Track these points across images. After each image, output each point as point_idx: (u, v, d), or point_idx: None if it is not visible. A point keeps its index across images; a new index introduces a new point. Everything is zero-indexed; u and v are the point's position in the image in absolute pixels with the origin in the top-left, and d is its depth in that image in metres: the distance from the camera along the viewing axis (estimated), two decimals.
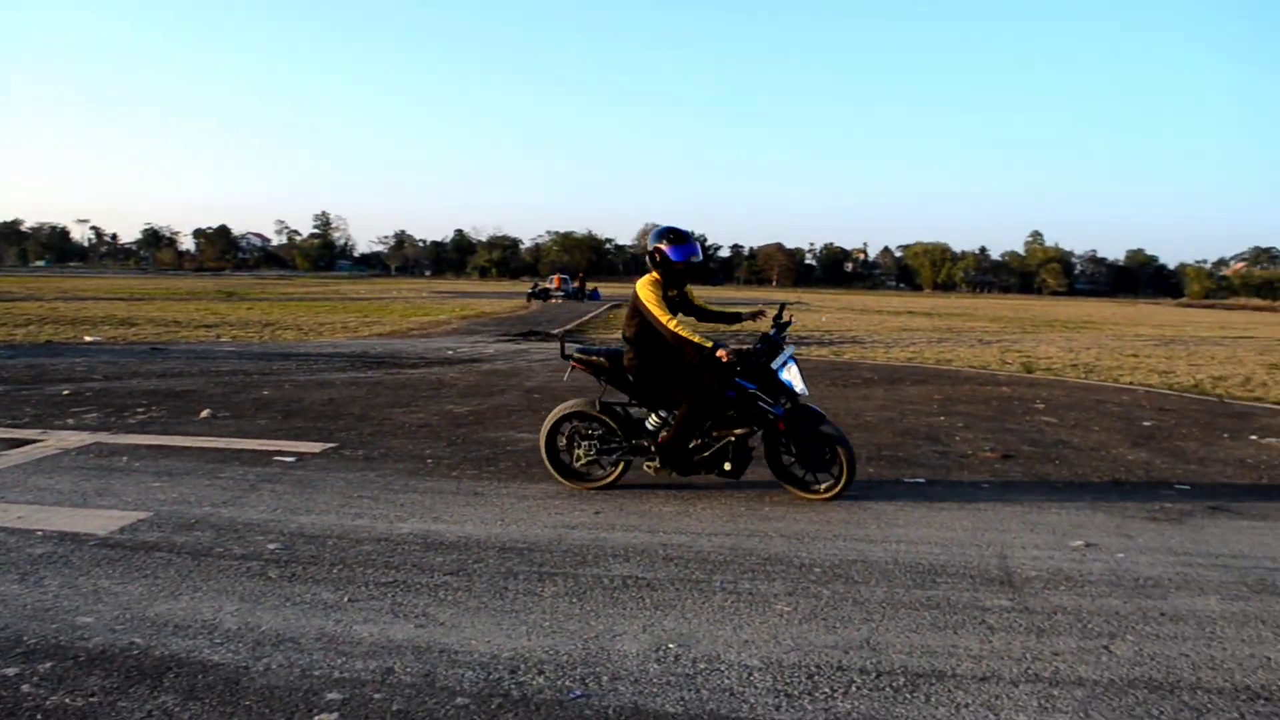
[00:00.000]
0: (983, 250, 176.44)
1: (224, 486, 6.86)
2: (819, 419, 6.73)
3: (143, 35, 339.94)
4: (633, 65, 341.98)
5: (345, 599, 4.67)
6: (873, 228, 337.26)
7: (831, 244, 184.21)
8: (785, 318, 7.18)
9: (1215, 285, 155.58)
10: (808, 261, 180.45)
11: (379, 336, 23.32)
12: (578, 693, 3.73)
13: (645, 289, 6.67)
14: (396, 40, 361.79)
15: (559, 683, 3.81)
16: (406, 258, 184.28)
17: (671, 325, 6.54)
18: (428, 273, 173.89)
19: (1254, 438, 10.20)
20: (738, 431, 6.76)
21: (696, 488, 7.12)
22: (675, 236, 6.78)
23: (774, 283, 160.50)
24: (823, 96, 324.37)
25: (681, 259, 6.75)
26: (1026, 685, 3.93)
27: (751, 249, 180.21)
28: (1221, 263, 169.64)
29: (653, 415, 6.95)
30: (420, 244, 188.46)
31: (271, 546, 5.48)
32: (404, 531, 5.81)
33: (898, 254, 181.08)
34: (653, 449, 6.86)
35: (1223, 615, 4.79)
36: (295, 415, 10.12)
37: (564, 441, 7.09)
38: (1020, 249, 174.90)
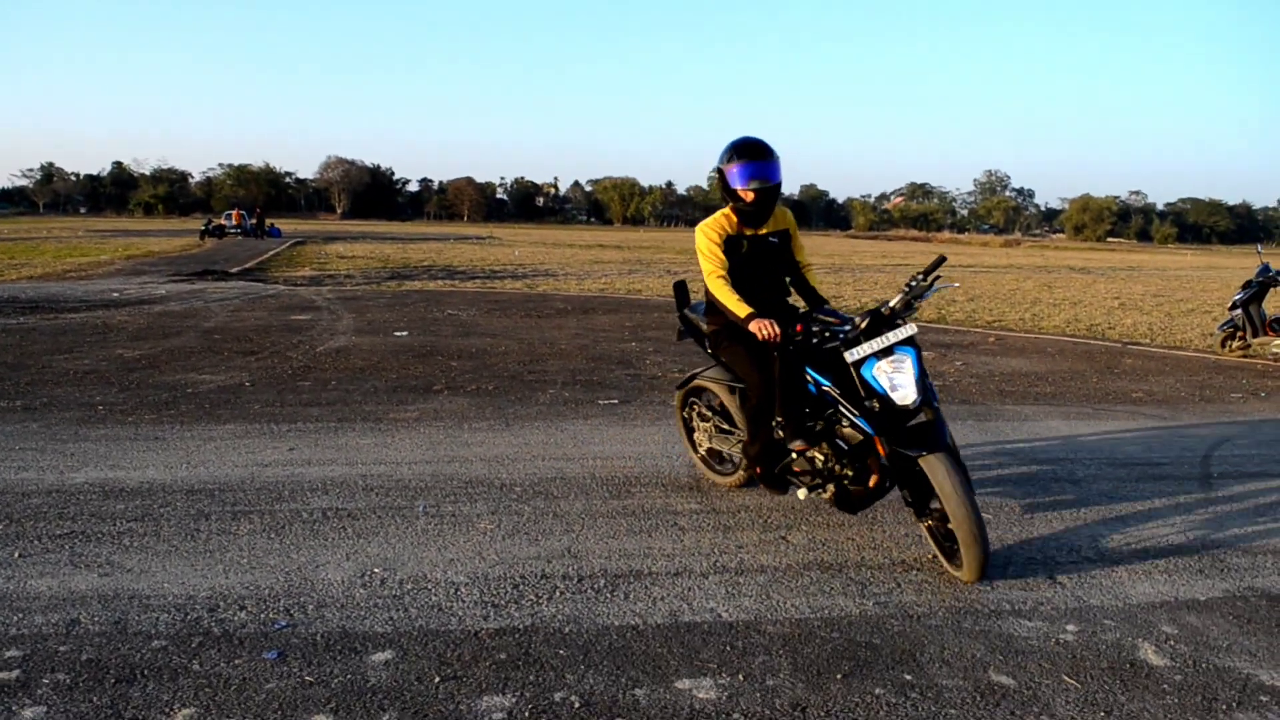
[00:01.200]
0: (669, 185, 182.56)
1: None
2: (930, 446, 4.23)
3: None
4: None
5: (16, 555, 4.31)
6: (563, 163, 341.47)
7: (522, 178, 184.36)
8: (929, 280, 4.45)
9: (878, 218, 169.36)
10: (499, 196, 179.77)
11: (29, 280, 21.16)
12: (282, 623, 3.67)
13: (703, 229, 4.91)
14: None
15: (262, 615, 3.73)
16: (57, 193, 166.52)
17: (712, 279, 4.81)
18: (83, 210, 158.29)
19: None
20: (810, 452, 4.70)
21: (393, 421, 7.07)
22: (745, 151, 4.73)
23: (465, 217, 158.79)
24: (512, 27, 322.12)
25: (737, 183, 4.74)
26: (715, 576, 4.26)
27: (441, 183, 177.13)
28: (883, 197, 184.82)
29: None
30: (73, 178, 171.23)
31: None
32: (78, 481, 5.41)
33: (588, 188, 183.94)
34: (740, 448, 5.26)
35: (883, 503, 5.34)
36: None
37: (688, 415, 5.82)
38: (704, 184, 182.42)
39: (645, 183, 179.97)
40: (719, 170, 4.84)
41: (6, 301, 15.29)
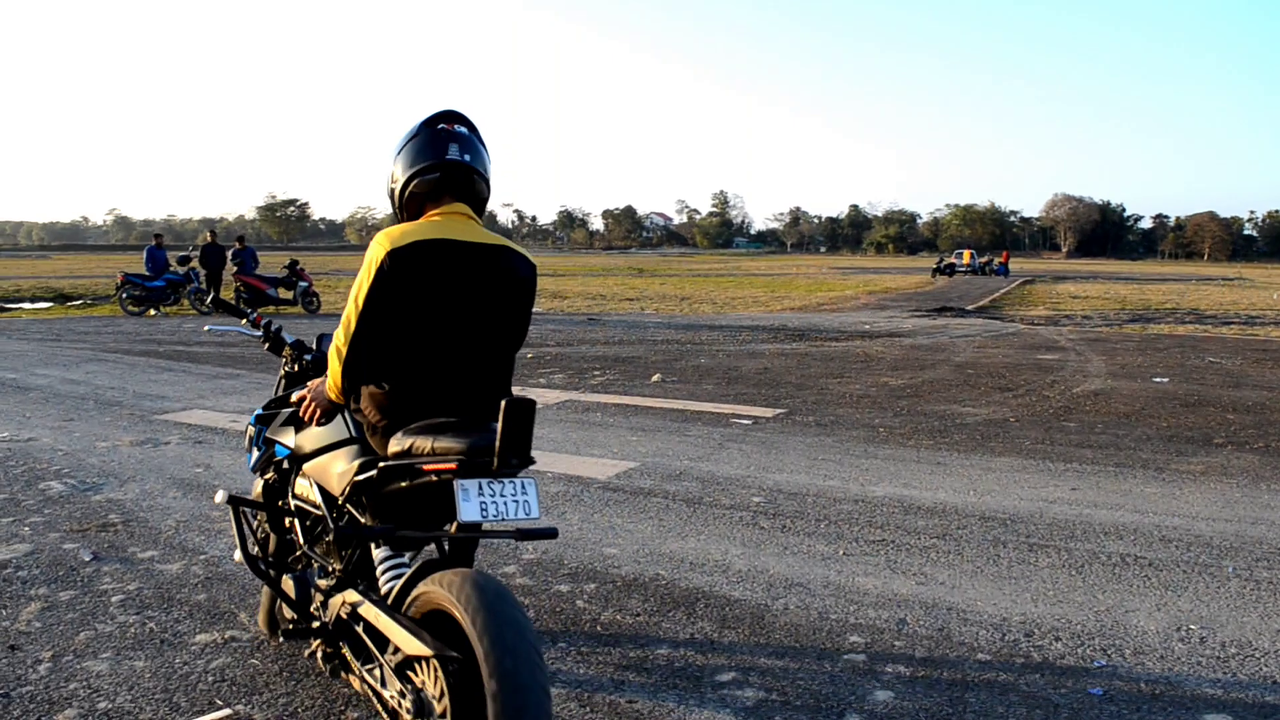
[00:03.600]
0: None
1: (694, 443, 7.35)
2: None
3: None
4: (1048, 31, 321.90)
5: (840, 552, 4.86)
6: None
7: (1276, 211, 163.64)
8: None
9: None
10: (1247, 232, 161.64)
11: (791, 310, 23.79)
12: (1101, 662, 3.65)
13: None
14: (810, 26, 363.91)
15: (1079, 650, 3.75)
16: (801, 234, 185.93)
17: None
18: (823, 249, 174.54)
19: None
20: None
21: (1176, 471, 6.69)
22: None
23: (1205, 256, 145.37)
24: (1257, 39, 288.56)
25: None
26: None
27: (1178, 219, 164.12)
28: None
29: None
30: (815, 220, 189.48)
31: (755, 499, 5.81)
32: (879, 494, 5.94)
33: None
34: None
35: None
36: (736, 382, 10.60)
37: None
38: None
39: None
40: None
41: (779, 329, 17.34)
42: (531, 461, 2.61)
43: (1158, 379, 11.41)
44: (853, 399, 9.51)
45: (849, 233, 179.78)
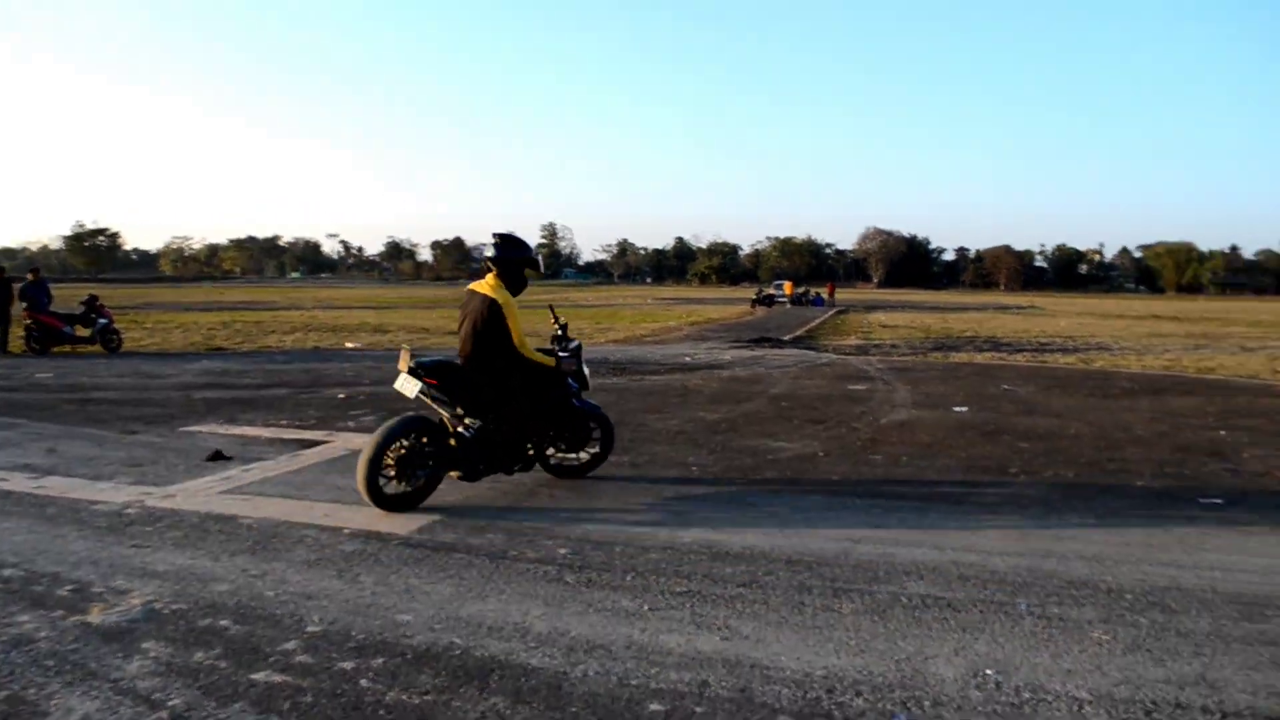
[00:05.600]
0: (1233, 249, 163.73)
1: (505, 490, 7.11)
2: (596, 406, 7.54)
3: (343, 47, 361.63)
4: (848, 72, 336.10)
5: (645, 607, 4.72)
6: (1107, 228, 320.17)
7: (1063, 245, 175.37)
8: (561, 320, 7.68)
9: None
10: (1038, 264, 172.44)
11: (615, 343, 23.80)
12: (901, 717, 3.62)
13: (510, 302, 6.79)
14: (616, 48, 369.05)
15: (879, 705, 3.70)
16: (628, 265, 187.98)
17: (527, 349, 6.82)
18: (649, 279, 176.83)
19: None
20: (557, 430, 7.24)
21: (974, 504, 6.87)
22: (528, 246, 7.16)
23: (1002, 286, 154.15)
24: (1051, 95, 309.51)
25: (540, 270, 7.26)
26: None
27: (977, 251, 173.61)
28: None
29: (465, 422, 6.74)
30: (641, 251, 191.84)
31: (562, 551, 5.62)
32: (687, 541, 5.84)
33: (1137, 254, 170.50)
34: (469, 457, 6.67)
35: None
36: None
37: (389, 469, 6.40)
38: (1278, 246, 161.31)
39: (1204, 247, 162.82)
40: (519, 258, 7.01)
41: (602, 361, 17.24)
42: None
43: (958, 408, 11.83)
44: (669, 435, 9.46)
45: (674, 263, 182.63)
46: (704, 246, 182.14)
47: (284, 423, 10.11)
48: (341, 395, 12.37)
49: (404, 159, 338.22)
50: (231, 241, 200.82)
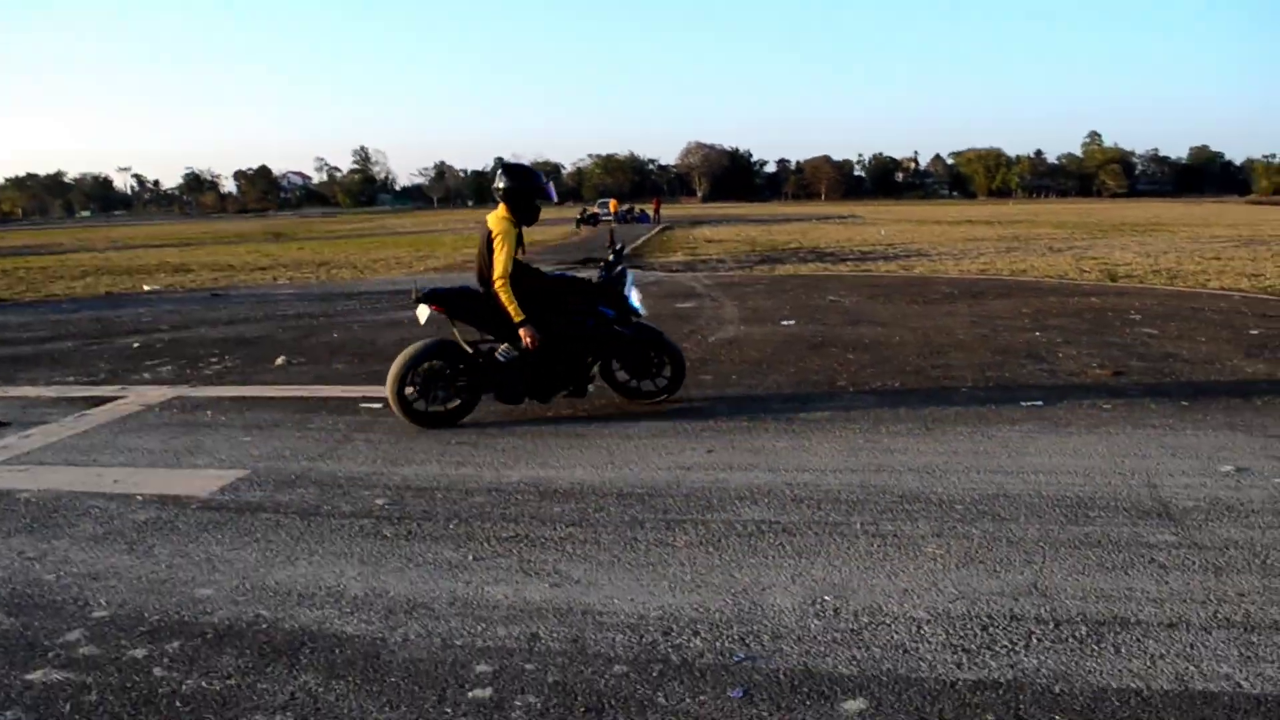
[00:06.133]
0: (1038, 153, 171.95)
1: (316, 438, 6.66)
2: (658, 334, 7.41)
3: None
4: None
5: (469, 557, 4.42)
6: (923, 136, 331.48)
7: (880, 154, 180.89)
8: (618, 245, 7.65)
9: None
10: (856, 173, 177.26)
11: (436, 271, 23.09)
12: (740, 655, 3.44)
13: (506, 236, 6.63)
14: None
15: (718, 644, 3.52)
16: (448, 189, 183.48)
17: (502, 289, 6.62)
18: (470, 203, 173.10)
19: None
20: (590, 358, 7.09)
21: (804, 422, 6.80)
22: (535, 174, 6.99)
23: (822, 196, 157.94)
24: (863, 4, 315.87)
25: (551, 199, 7.25)
26: (1220, 632, 3.59)
27: (798, 163, 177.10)
28: None
29: (501, 348, 6.95)
30: (461, 174, 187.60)
31: (380, 502, 5.25)
32: (514, 480, 5.56)
33: (949, 161, 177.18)
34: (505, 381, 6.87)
35: None
36: (371, 358, 9.90)
37: (411, 390, 6.78)
38: (1078, 150, 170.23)
39: (1011, 152, 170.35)
40: (528, 187, 6.82)
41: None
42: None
43: (785, 322, 11.87)
44: None
45: None
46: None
47: (70, 379, 9.28)
48: (136, 344, 11.48)
49: (200, 79, 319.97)
50: (8, 180, 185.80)
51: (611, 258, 7.45)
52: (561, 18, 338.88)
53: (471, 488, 5.45)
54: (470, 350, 6.83)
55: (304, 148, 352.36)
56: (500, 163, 6.99)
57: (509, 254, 6.58)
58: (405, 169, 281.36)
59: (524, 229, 6.84)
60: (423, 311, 7.04)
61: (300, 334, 11.93)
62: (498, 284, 6.59)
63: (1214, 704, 3.10)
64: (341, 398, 7.97)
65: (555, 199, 6.98)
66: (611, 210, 57.91)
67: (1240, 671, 3.29)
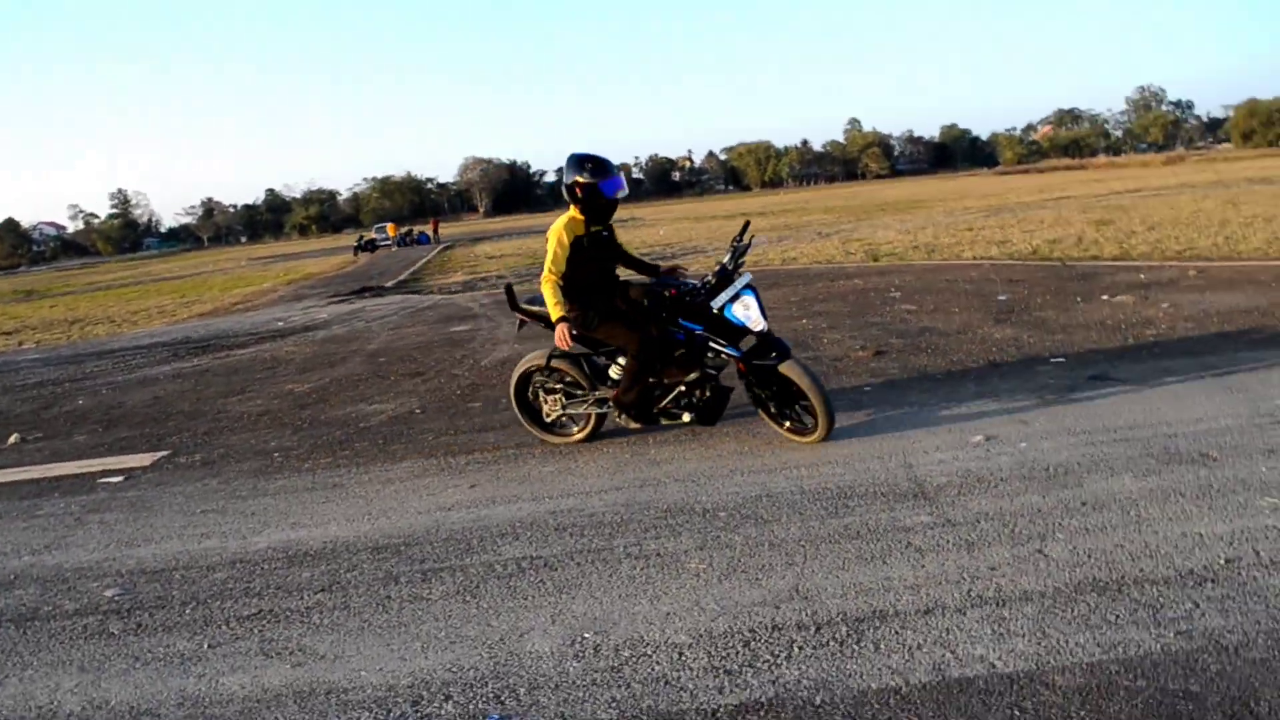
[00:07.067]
0: (805, 143, 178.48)
1: (44, 526, 6.01)
2: (781, 357, 5.84)
3: None
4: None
5: (205, 645, 4.02)
6: (696, 134, 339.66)
7: (657, 155, 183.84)
8: (746, 239, 6.38)
9: (1027, 151, 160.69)
10: (635, 175, 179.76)
11: (200, 317, 21.83)
12: (495, 716, 3.23)
13: (560, 232, 6.01)
14: None
15: (471, 706, 3.30)
16: (218, 226, 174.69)
17: (546, 283, 5.95)
18: (244, 239, 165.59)
19: (1105, 298, 10.33)
20: (688, 378, 6.04)
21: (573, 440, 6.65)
22: (606, 167, 5.99)
23: None
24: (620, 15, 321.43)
25: (611, 193, 5.97)
26: (974, 611, 3.63)
27: None
28: (1030, 128, 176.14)
29: (615, 363, 6.32)
30: (231, 209, 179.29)
31: (109, 593, 4.74)
32: (261, 547, 5.15)
33: (722, 156, 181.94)
34: (612, 400, 6.19)
35: (1141, 495, 4.62)
36: (118, 424, 9.15)
37: (532, 395, 6.66)
38: (840, 137, 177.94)
39: (780, 144, 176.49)
40: (582, 183, 5.93)
41: (181, 343, 15.67)
42: None
43: None
44: (251, 420, 8.55)
45: (269, 218, 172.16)
46: (298, 196, 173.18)
47: None
48: None
49: None
50: None
51: (727, 259, 6.24)
52: (322, 38, 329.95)
53: (214, 562, 5.00)
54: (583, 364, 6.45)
55: (55, 197, 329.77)
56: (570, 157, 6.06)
57: (557, 252, 5.95)
58: (170, 209, 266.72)
59: (598, 228, 6.14)
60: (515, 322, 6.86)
61: (40, 405, 10.94)
62: (542, 279, 5.97)
63: (969, 691, 3.10)
64: (78, 474, 7.28)
65: (615, 191, 6.00)
66: (390, 235, 56.64)
67: (994, 652, 3.32)
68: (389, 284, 24.99)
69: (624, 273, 6.51)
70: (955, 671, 3.23)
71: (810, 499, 4.98)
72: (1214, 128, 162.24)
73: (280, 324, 17.18)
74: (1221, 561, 3.84)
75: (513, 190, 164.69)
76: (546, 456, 6.29)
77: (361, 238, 54.88)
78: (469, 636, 3.83)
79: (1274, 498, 4.43)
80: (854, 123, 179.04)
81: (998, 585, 3.83)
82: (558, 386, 6.50)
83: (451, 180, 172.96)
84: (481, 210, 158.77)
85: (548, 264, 5.97)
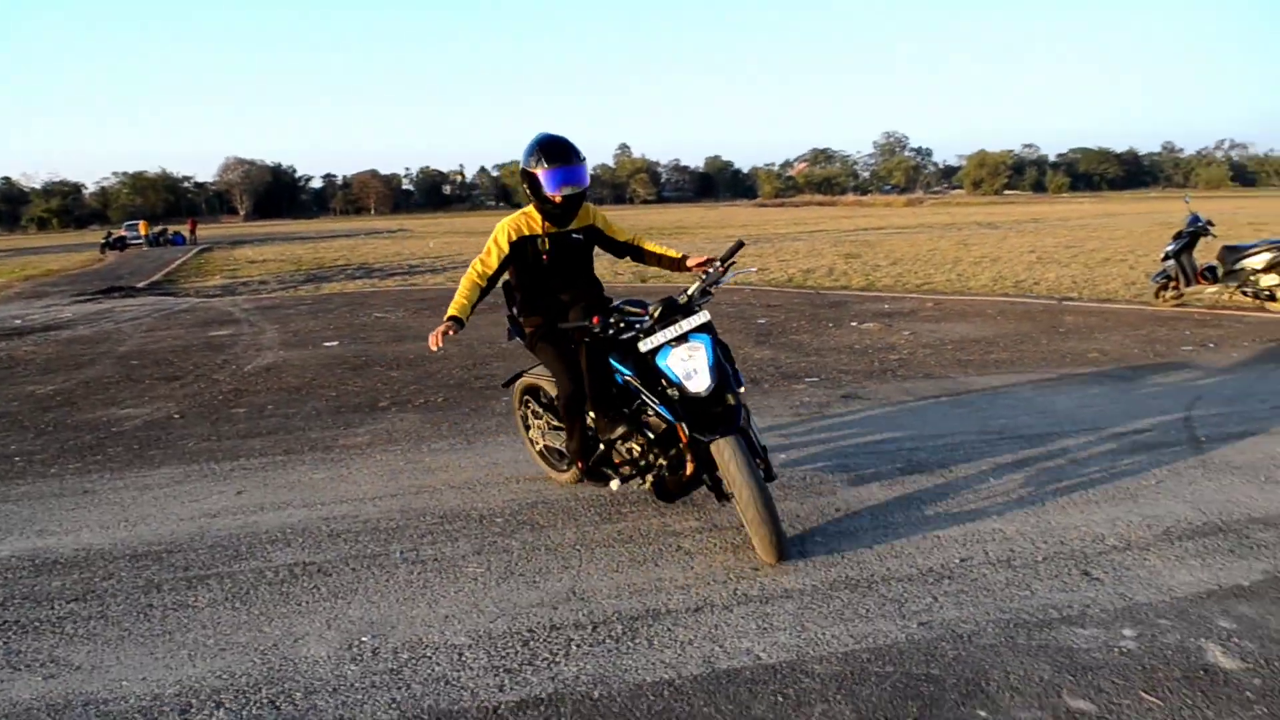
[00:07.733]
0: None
1: None
2: (723, 429, 4.30)
3: None
4: None
5: None
6: (468, 149, 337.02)
7: (428, 167, 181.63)
8: (725, 266, 4.76)
9: (784, 185, 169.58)
10: (405, 187, 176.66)
11: None
12: None
13: (501, 227, 4.96)
14: None
15: (245, 713, 3.23)
16: None
17: (467, 276, 4.90)
18: None
19: (854, 324, 11.08)
20: (613, 434, 4.70)
21: (344, 448, 6.54)
22: (554, 154, 4.74)
23: (372, 210, 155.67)
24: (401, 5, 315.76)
25: (553, 188, 4.71)
26: (740, 608, 3.87)
27: (345, 177, 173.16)
28: (787, 164, 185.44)
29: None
30: None
31: None
32: (3, 556, 4.80)
33: (495, 173, 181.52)
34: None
35: (885, 501, 5.02)
36: None
37: (523, 416, 5.75)
38: (610, 161, 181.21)
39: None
40: (526, 171, 4.81)
41: None
42: None
43: (328, 343, 11.45)
44: None
45: (3, 209, 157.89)
46: (38, 187, 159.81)
47: None
48: None
49: None
50: None
51: (693, 288, 4.62)
52: (74, 22, 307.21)
53: None
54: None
55: None
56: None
57: (489, 249, 4.88)
58: None
59: (565, 230, 5.01)
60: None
61: None
62: (466, 278, 4.89)
63: (736, 681, 3.31)
64: None
65: (555, 187, 4.67)
66: (142, 233, 53.36)
67: (759, 645, 3.55)
68: (141, 284, 23.53)
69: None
70: (724, 664, 3.43)
71: (585, 505, 5.13)
72: (949, 174, 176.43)
73: (18, 322, 15.88)
74: (957, 560, 4.25)
75: (276, 194, 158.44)
76: (317, 464, 6.17)
77: (110, 234, 51.24)
78: (240, 643, 3.74)
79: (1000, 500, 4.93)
80: (624, 148, 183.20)
81: (761, 584, 4.08)
82: (541, 411, 5.55)
83: (211, 180, 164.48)
84: (242, 213, 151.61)
85: (477, 258, 4.92)
